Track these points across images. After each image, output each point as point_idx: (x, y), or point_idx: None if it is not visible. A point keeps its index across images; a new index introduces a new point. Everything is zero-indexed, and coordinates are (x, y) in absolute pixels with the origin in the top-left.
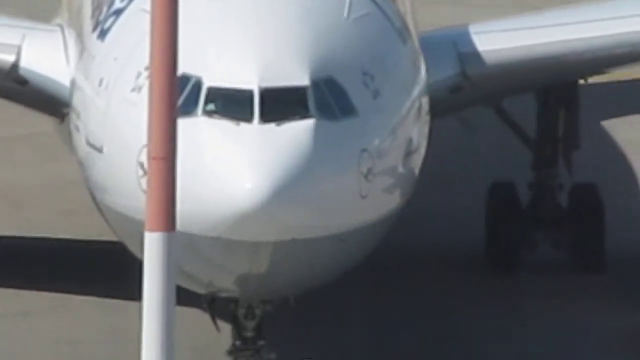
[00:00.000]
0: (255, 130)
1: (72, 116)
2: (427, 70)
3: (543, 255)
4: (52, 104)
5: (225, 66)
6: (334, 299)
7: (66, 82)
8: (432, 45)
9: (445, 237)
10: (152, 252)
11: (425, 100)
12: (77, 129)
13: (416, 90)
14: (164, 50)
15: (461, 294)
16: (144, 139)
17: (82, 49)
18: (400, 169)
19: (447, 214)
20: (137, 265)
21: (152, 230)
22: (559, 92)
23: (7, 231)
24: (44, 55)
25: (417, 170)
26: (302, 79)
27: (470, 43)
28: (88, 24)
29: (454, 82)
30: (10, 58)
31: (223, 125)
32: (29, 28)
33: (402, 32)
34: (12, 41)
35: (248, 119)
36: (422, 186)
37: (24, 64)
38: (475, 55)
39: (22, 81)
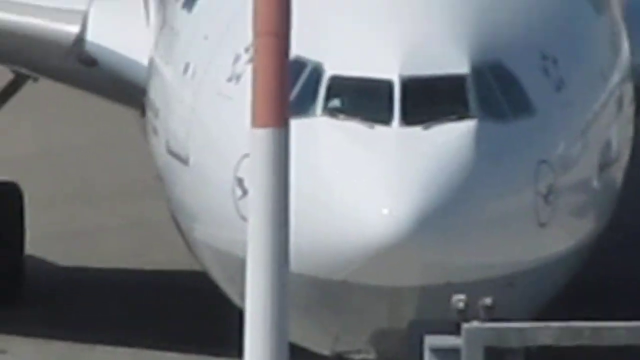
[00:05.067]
0: (395, 136)
1: (149, 114)
2: (633, 48)
3: None
4: (130, 92)
5: (354, 48)
6: None
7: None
8: None
9: None
10: (260, 152)
11: (628, 91)
12: (156, 131)
13: (616, 78)
14: (273, 22)
15: None
16: (243, 147)
17: (163, 21)
18: (594, 186)
19: None
20: (235, 316)
21: (259, 125)
22: None
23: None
24: (118, 26)
25: (616, 187)
26: (459, 65)
27: None
28: None
29: None
30: (72, 29)
31: (352, 129)
32: None
33: None
34: (76, 6)
35: (386, 119)
36: (628, 203)
37: (91, 37)
38: None
39: (90, 61)
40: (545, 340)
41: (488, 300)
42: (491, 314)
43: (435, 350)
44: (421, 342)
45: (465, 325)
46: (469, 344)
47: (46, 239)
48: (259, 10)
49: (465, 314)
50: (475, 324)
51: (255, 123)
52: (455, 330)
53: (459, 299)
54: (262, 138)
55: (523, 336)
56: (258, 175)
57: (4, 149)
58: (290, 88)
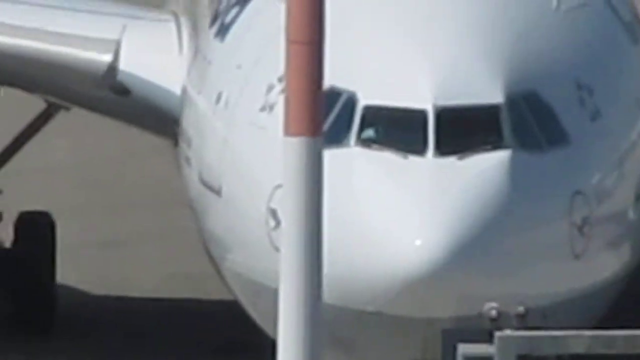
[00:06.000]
0: (429, 166)
1: (182, 144)
2: None
3: None
4: (162, 122)
5: (388, 78)
6: None
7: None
8: None
9: None
10: (291, 160)
11: None
12: (188, 161)
13: None
14: (306, 30)
15: None
16: (276, 177)
17: (196, 50)
18: (629, 217)
19: None
20: (268, 347)
21: (291, 134)
22: None
23: None
24: (151, 55)
25: None
26: (493, 95)
27: None
28: (204, 15)
29: None
30: (105, 58)
31: (385, 159)
32: (132, 17)
33: (633, 27)
34: (109, 35)
35: (420, 150)
36: None
37: (123, 66)
38: None
39: (122, 90)
40: (578, 348)
41: (521, 309)
42: (524, 322)
43: (469, 358)
44: (454, 351)
45: (498, 333)
46: (502, 351)
47: (78, 248)
48: (291, 19)
49: (498, 322)
50: (508, 332)
51: (288, 131)
52: (488, 339)
53: (491, 307)
54: (295, 147)
55: (556, 344)
56: (291, 185)
57: (38, 175)
58: (325, 118)
